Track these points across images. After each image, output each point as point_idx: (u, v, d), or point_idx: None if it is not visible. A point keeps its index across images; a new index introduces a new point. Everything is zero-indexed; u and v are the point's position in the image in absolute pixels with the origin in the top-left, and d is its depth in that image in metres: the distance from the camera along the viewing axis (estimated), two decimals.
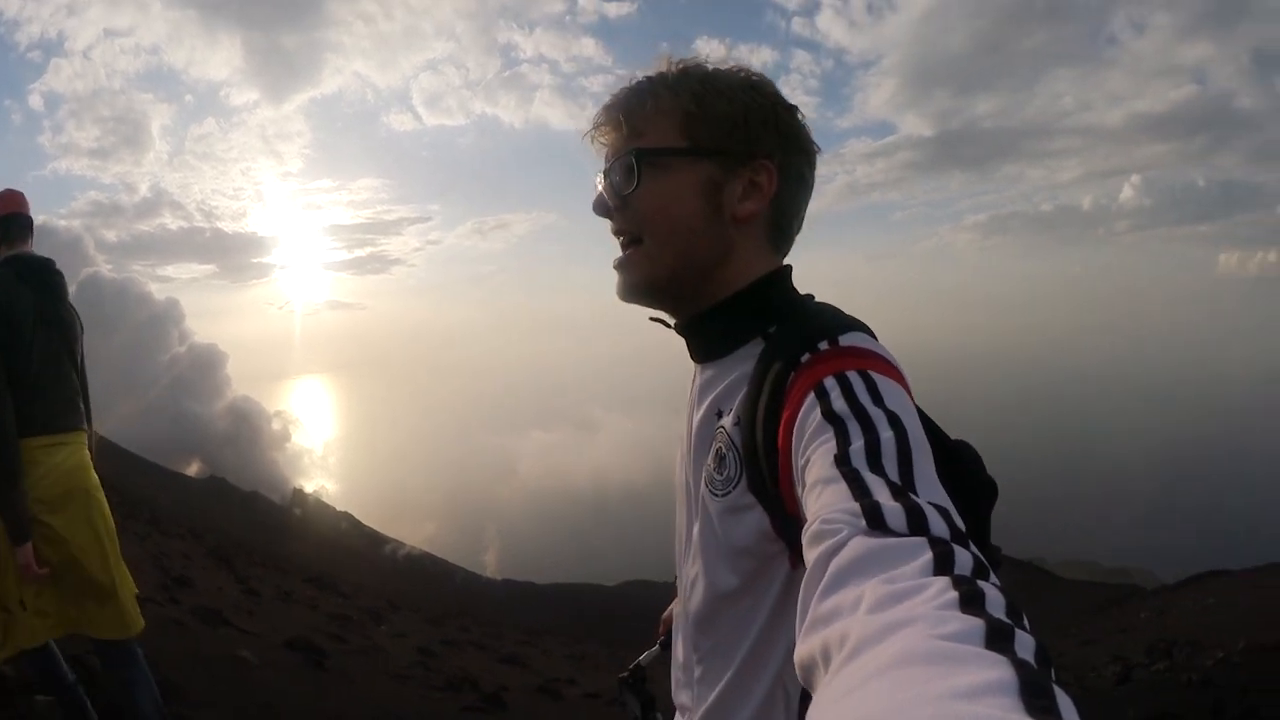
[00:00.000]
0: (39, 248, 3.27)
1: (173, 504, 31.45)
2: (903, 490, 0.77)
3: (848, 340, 1.01)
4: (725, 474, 1.09)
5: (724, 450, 1.10)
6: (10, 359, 2.89)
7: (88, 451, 3.20)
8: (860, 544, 0.69)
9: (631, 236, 1.17)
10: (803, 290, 1.20)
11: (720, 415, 1.13)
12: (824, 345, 1.00)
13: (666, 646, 1.62)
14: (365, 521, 53.30)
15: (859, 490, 0.77)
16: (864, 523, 0.72)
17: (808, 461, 0.87)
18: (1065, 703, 0.47)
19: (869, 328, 1.07)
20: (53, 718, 3.60)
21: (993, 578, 0.64)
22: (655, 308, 1.21)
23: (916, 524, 0.70)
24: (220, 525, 31.17)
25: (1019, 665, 0.48)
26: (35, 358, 2.99)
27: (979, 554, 0.67)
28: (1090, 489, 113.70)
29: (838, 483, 0.80)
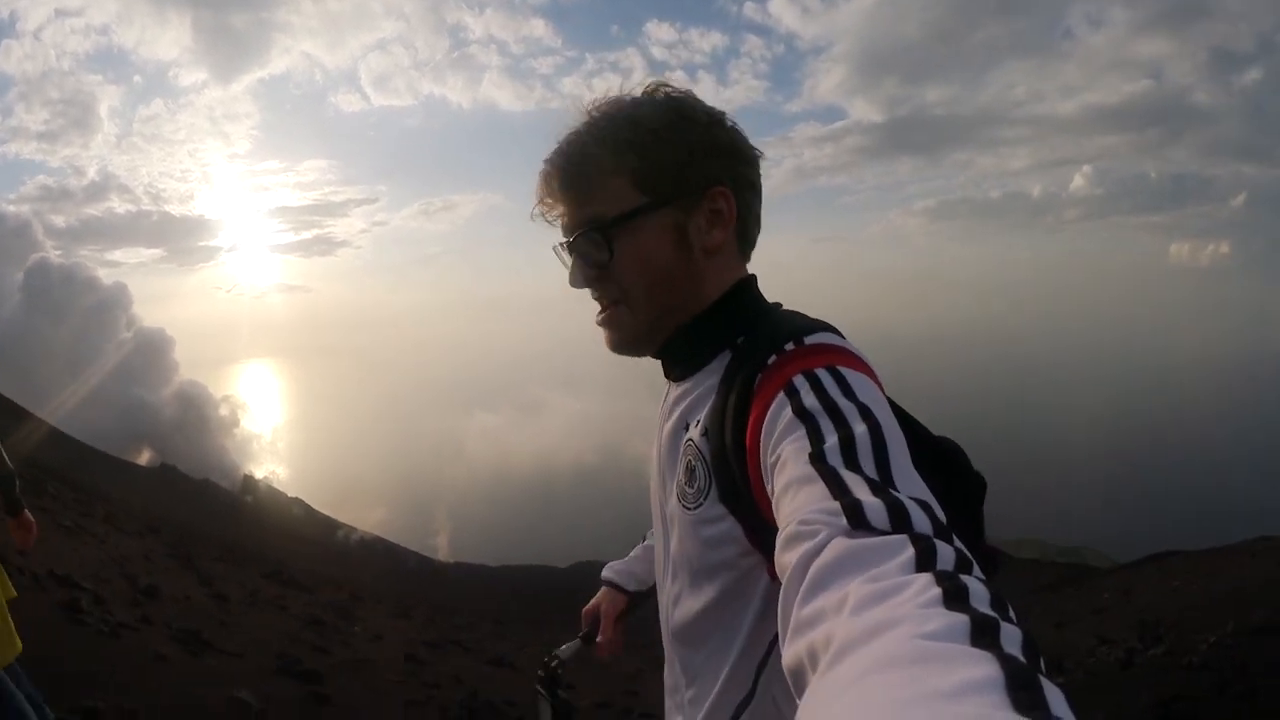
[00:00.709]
0: None
1: (125, 495, 30.52)
2: (882, 486, 0.76)
3: (814, 339, 1.02)
4: (696, 486, 1.09)
5: (693, 463, 1.10)
6: None
7: None
8: (840, 544, 0.68)
9: (612, 299, 1.17)
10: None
11: (688, 428, 1.14)
12: (790, 346, 1.01)
13: (589, 640, 1.68)
14: (317, 507, 53.08)
15: (837, 488, 0.76)
16: (845, 522, 0.71)
17: (779, 459, 0.87)
18: (1054, 694, 0.46)
19: (836, 329, 1.07)
20: None
21: (976, 570, 0.64)
22: (643, 354, 1.22)
23: (898, 520, 0.70)
24: (174, 516, 30.45)
25: (1005, 660, 0.48)
26: None
27: (962, 547, 0.67)
28: (1039, 471, 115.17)
29: (814, 481, 0.79)
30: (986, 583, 0.60)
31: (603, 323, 1.20)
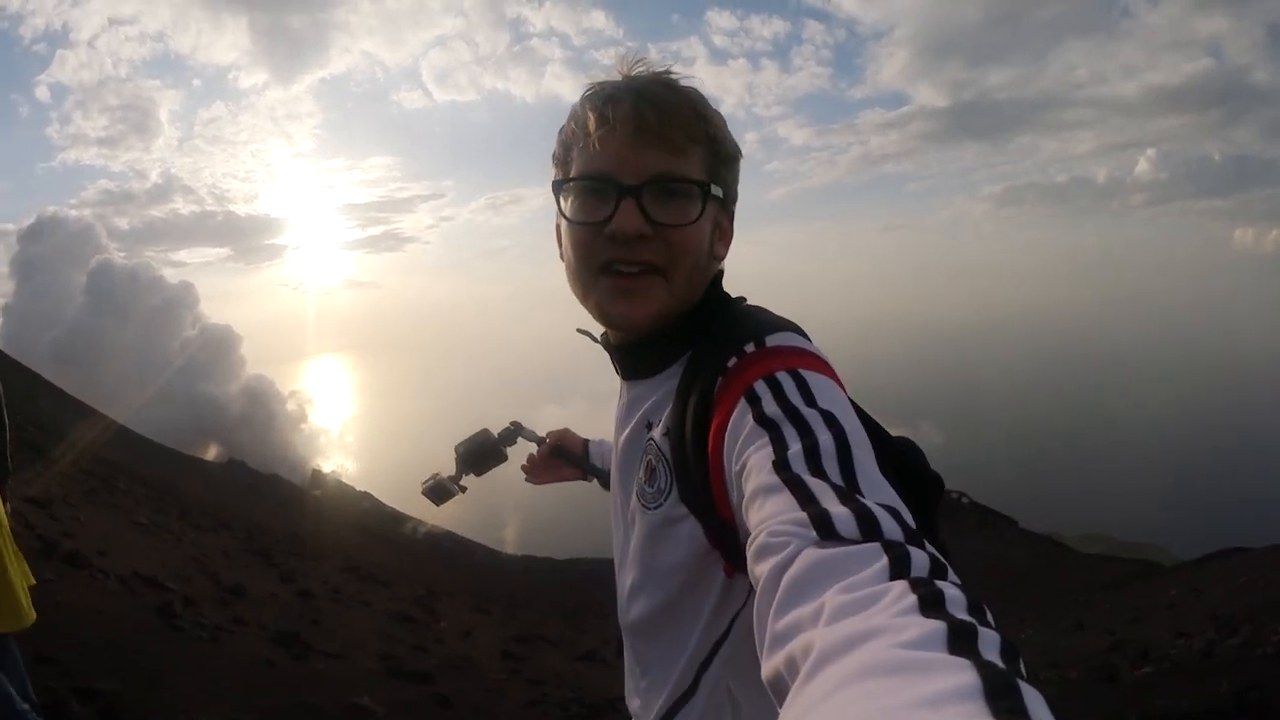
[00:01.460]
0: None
1: (194, 490, 31.31)
2: (849, 493, 0.75)
3: (775, 341, 1.00)
4: (656, 486, 1.09)
5: (654, 463, 1.10)
6: None
7: None
8: (811, 555, 0.68)
9: (650, 266, 1.09)
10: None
11: (650, 428, 1.13)
12: (750, 348, 0.99)
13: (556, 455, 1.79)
14: (385, 500, 53.25)
15: (804, 498, 0.75)
16: (814, 533, 0.70)
17: (744, 467, 0.86)
18: (1033, 699, 0.46)
19: (799, 327, 1.06)
20: None
21: (951, 575, 0.64)
22: (649, 334, 1.15)
23: (868, 528, 0.69)
24: (245, 511, 31.03)
25: (983, 667, 0.48)
26: None
27: (935, 552, 0.67)
28: (1104, 463, 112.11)
29: (780, 491, 0.78)
30: (963, 587, 0.60)
31: (626, 290, 1.10)
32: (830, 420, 0.84)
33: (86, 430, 32.44)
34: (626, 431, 1.19)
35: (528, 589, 33.01)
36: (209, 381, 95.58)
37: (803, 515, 0.72)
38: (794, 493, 0.76)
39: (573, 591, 35.15)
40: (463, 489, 1.74)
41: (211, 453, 66.97)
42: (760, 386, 0.91)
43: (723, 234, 1.15)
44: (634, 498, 1.14)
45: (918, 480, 1.08)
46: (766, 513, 0.76)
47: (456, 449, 1.71)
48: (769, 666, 0.62)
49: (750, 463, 0.84)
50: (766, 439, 0.84)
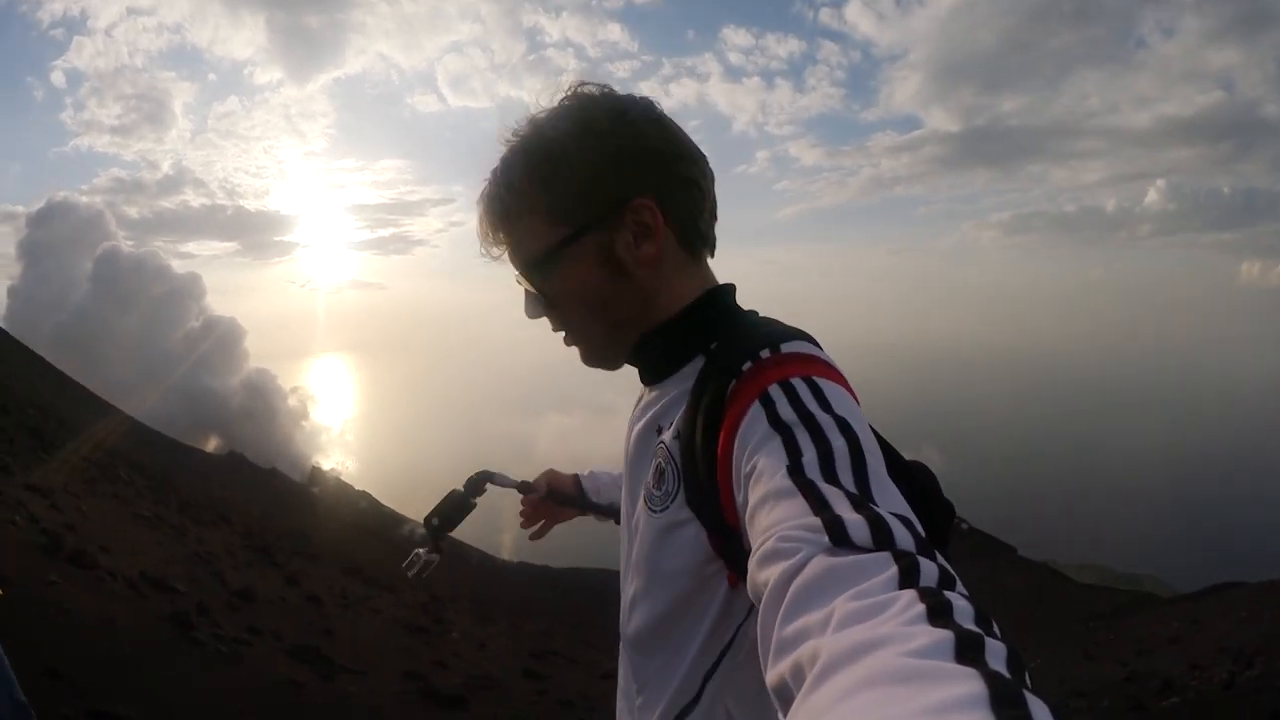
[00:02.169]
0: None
1: (193, 481, 31.13)
2: (862, 500, 0.75)
3: (790, 348, 0.99)
4: (664, 489, 1.07)
5: (663, 465, 1.08)
6: None
7: None
8: (822, 562, 0.68)
9: (562, 327, 1.17)
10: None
11: (660, 431, 1.12)
12: (765, 354, 0.98)
13: (524, 490, 1.71)
14: (383, 501, 53.16)
15: (817, 503, 0.75)
16: (826, 539, 0.69)
17: (754, 470, 0.85)
18: (1039, 709, 0.46)
19: (812, 336, 1.05)
20: None
21: (959, 586, 0.64)
22: (614, 367, 1.20)
23: (880, 536, 0.69)
24: (243, 505, 30.89)
25: (990, 677, 0.48)
26: None
27: (945, 564, 0.66)
28: (1102, 493, 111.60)
29: (793, 495, 0.77)
30: (970, 598, 0.60)
31: (566, 343, 1.20)
32: (845, 427, 0.83)
33: (88, 416, 32.23)
34: (637, 433, 1.17)
35: (528, 598, 32.85)
36: (211, 373, 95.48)
37: (815, 521, 0.71)
38: (807, 498, 0.75)
39: (573, 602, 34.99)
40: (441, 551, 1.68)
41: (211, 444, 66.70)
42: (775, 390, 0.90)
43: (635, 237, 1.08)
44: (640, 503, 1.12)
45: (929, 505, 1.05)
46: (777, 516, 0.75)
47: (427, 521, 1.67)
48: (774, 673, 0.62)
49: (762, 465, 0.83)
50: (780, 443, 0.83)
